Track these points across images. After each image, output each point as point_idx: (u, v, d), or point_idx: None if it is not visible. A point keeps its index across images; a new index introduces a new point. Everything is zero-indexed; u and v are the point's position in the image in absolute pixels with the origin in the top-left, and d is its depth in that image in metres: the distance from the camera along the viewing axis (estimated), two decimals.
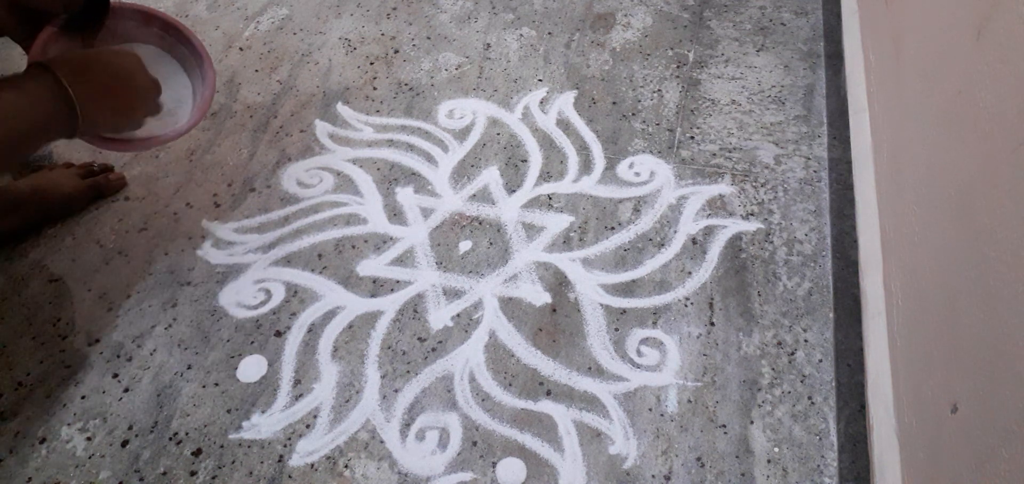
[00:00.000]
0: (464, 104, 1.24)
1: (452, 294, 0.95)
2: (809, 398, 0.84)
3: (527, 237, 1.02)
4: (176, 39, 0.99)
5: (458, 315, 0.93)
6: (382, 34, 1.40)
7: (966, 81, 0.70)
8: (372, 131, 1.20)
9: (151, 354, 0.90)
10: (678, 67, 1.30)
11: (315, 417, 0.84)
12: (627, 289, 0.95)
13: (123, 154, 1.13)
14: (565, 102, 1.23)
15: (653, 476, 0.78)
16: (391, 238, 1.03)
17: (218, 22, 1.44)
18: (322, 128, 1.20)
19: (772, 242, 1.00)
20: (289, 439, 0.82)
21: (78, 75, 0.78)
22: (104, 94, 0.80)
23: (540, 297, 0.95)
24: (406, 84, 1.28)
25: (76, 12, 0.86)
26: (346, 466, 0.80)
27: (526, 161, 1.13)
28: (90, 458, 0.81)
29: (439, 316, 0.93)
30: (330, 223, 1.05)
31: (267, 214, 1.06)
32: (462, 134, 1.18)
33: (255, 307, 0.95)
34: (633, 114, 1.21)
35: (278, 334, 0.92)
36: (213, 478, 0.79)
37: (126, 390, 0.87)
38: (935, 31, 0.83)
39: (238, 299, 0.95)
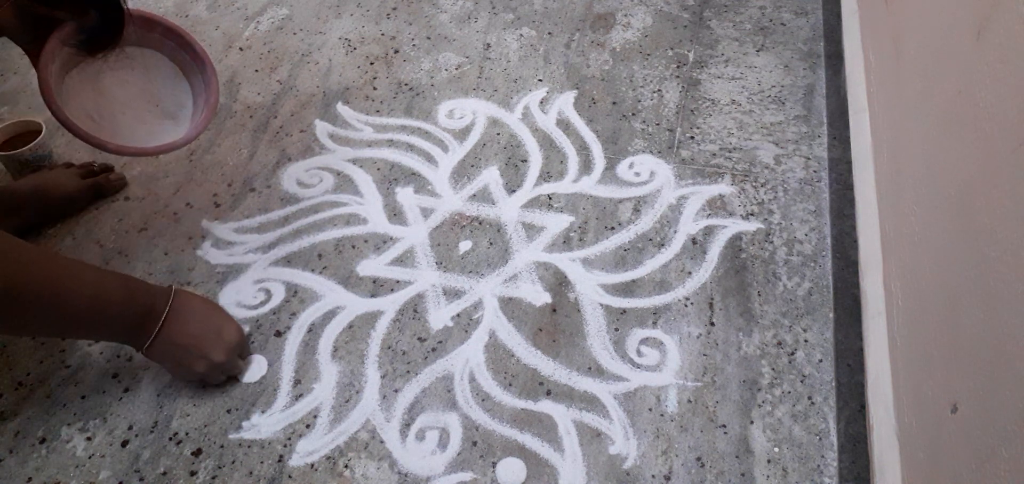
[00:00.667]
0: (464, 104, 1.24)
1: (452, 294, 0.95)
2: (809, 398, 0.84)
3: (527, 237, 1.02)
4: (177, 44, 0.99)
5: (458, 315, 0.93)
6: (382, 34, 1.40)
7: (966, 81, 0.70)
8: (372, 131, 1.20)
9: None
10: (678, 67, 1.30)
11: (315, 417, 0.84)
12: (627, 289, 0.95)
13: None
14: (565, 102, 1.23)
15: (653, 476, 0.78)
16: (391, 238, 1.03)
17: (218, 22, 1.44)
18: (322, 128, 1.20)
19: (772, 242, 1.00)
20: (289, 439, 0.82)
21: (179, 322, 0.81)
22: (184, 348, 0.82)
23: (540, 297, 0.95)
24: (406, 84, 1.28)
25: (88, 30, 0.86)
26: (346, 466, 0.80)
27: (526, 161, 1.13)
28: (90, 458, 0.81)
29: (439, 316, 0.93)
30: (330, 223, 1.05)
31: (267, 214, 1.06)
32: (462, 134, 1.18)
33: (255, 307, 0.95)
34: (633, 114, 1.21)
35: (278, 334, 0.92)
36: (213, 478, 0.79)
37: (126, 390, 0.87)
38: (935, 31, 0.83)
39: (238, 299, 0.95)
